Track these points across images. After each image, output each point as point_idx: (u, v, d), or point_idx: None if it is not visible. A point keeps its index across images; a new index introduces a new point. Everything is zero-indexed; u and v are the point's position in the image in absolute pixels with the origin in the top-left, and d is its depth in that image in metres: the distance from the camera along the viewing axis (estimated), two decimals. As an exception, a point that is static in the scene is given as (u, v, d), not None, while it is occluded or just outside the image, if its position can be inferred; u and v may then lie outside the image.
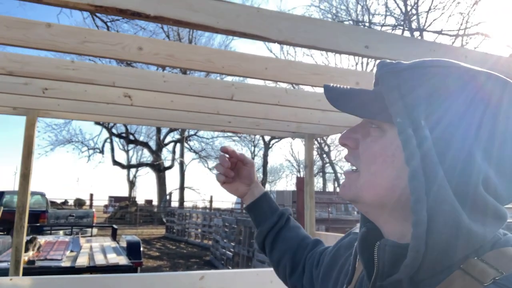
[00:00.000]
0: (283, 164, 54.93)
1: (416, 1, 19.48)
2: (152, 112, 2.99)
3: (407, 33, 19.06)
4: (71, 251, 6.24)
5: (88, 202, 25.76)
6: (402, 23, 20.00)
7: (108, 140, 29.89)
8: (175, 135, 30.36)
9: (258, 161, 33.97)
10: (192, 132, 29.95)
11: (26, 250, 5.35)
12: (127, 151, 31.66)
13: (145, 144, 30.29)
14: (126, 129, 29.37)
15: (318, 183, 33.97)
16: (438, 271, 0.53)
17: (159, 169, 29.37)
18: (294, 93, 2.74)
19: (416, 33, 19.13)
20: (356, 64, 22.92)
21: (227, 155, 1.04)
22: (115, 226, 9.28)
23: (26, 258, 5.09)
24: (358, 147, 0.63)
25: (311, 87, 3.47)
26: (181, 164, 30.77)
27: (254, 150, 33.95)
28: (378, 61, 0.64)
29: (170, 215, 19.77)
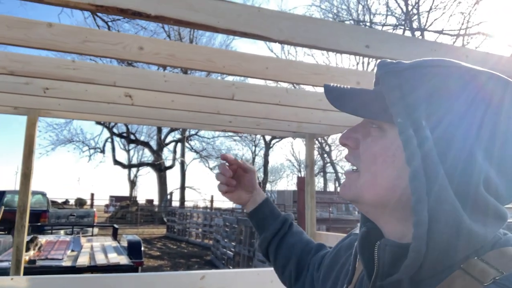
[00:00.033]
0: (284, 164, 54.97)
1: (417, 1, 19.47)
2: (153, 112, 2.99)
3: (408, 33, 19.05)
4: (72, 250, 6.24)
5: (89, 202, 25.78)
6: (403, 22, 19.99)
7: (109, 140, 29.96)
8: (176, 135, 30.42)
9: (259, 160, 34.01)
10: (193, 132, 29.98)
11: (27, 249, 5.36)
12: (128, 151, 31.70)
13: (146, 144, 30.32)
14: (127, 128, 29.40)
15: (319, 183, 33.98)
16: (439, 271, 0.53)
17: (160, 169, 29.40)
18: (295, 93, 2.74)
19: (417, 33, 19.11)
20: (357, 63, 22.93)
21: (227, 163, 1.01)
22: (116, 225, 9.28)
23: (27, 258, 5.10)
24: (358, 147, 0.63)
25: (312, 87, 3.46)
26: (182, 163, 30.80)
27: (255, 150, 33.98)
28: (378, 61, 0.63)
29: (171, 214, 19.78)
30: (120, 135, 30.05)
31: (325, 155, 31.07)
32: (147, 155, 31.84)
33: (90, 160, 29.56)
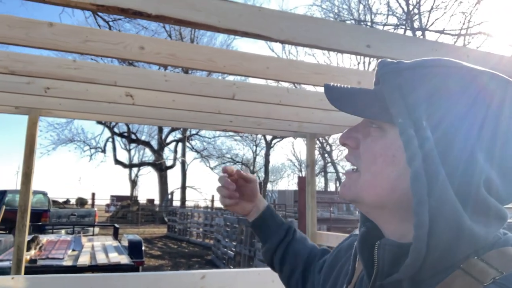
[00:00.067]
0: (284, 163, 55.00)
1: (418, 0, 19.45)
2: (153, 112, 2.99)
3: (409, 33, 19.03)
4: (73, 250, 6.25)
5: (90, 201, 25.79)
6: (404, 22, 19.98)
7: (110, 140, 29.99)
8: (177, 135, 30.44)
9: (260, 160, 34.00)
10: (193, 132, 29.99)
11: (28, 249, 5.37)
12: (129, 151, 31.73)
13: (147, 144, 30.34)
14: (128, 128, 29.43)
15: (319, 182, 33.95)
16: (439, 271, 0.53)
17: (161, 169, 29.42)
18: (295, 93, 2.73)
19: (418, 33, 19.10)
20: (358, 63, 22.92)
21: (227, 175, 0.98)
22: (116, 225, 9.30)
23: (28, 257, 5.10)
24: (358, 147, 0.63)
25: (313, 87, 3.47)
26: (183, 163, 30.81)
27: (255, 150, 33.96)
28: (379, 60, 0.63)
29: (172, 214, 19.79)
30: (121, 135, 30.09)
31: (326, 155, 31.07)
32: (148, 155, 31.90)
33: (91, 160, 29.64)
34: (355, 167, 0.64)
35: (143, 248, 6.61)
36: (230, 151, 34.37)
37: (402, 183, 0.55)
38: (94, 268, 5.30)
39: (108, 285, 2.36)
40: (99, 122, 25.71)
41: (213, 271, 2.65)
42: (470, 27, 18.08)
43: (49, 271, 4.74)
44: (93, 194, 26.62)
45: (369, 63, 22.05)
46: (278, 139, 31.28)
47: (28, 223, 2.83)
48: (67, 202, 21.22)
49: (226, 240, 11.32)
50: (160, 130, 29.23)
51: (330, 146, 29.60)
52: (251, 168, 33.57)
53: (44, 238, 6.70)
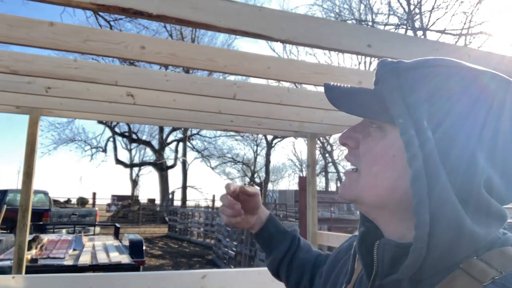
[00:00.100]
0: (285, 163, 54.93)
1: (419, 0, 19.43)
2: (154, 111, 2.99)
3: (410, 33, 19.02)
4: (74, 249, 6.26)
5: (91, 201, 25.84)
6: (405, 22, 19.96)
7: (111, 139, 30.01)
8: (178, 134, 30.45)
9: (260, 160, 33.99)
10: (194, 131, 29.99)
11: (29, 248, 5.38)
12: (129, 150, 31.75)
13: (148, 143, 30.35)
14: (129, 128, 29.44)
15: (320, 182, 33.92)
16: (438, 271, 0.53)
17: (162, 168, 29.43)
18: (296, 92, 2.73)
19: (419, 33, 19.08)
20: (359, 63, 22.90)
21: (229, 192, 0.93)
22: (117, 224, 9.31)
23: (29, 257, 5.11)
24: (358, 147, 0.62)
25: (314, 86, 3.46)
26: (184, 163, 30.82)
27: (256, 150, 33.96)
28: (379, 60, 0.63)
29: (173, 214, 19.80)
30: (122, 135, 30.11)
31: (327, 155, 31.05)
32: (149, 155, 31.91)
33: (92, 159, 29.68)
34: (355, 167, 0.63)
35: (144, 247, 6.61)
36: (231, 151, 34.43)
37: (402, 183, 0.55)
38: (95, 267, 5.31)
39: (108, 285, 2.37)
40: (100, 122, 25.74)
41: (213, 271, 2.65)
42: (471, 27, 18.07)
43: (50, 271, 4.75)
44: (94, 194, 26.70)
45: (370, 63, 22.03)
46: (279, 139, 31.29)
47: (29, 222, 2.84)
48: (68, 201, 21.24)
49: (227, 239, 11.33)
50: (161, 129, 29.25)
51: (331, 146, 29.59)
52: (252, 168, 33.59)
53: (45, 238, 6.71)
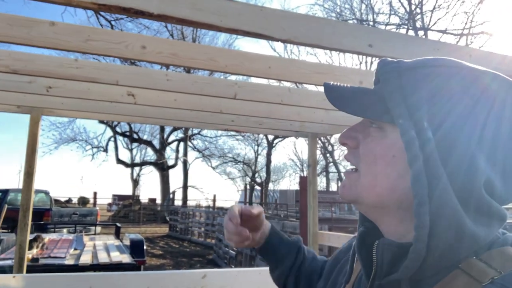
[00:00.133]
0: (286, 163, 54.93)
1: (420, 0, 19.41)
2: (155, 111, 2.99)
3: (411, 32, 18.99)
4: (75, 249, 6.27)
5: (91, 201, 25.87)
6: (406, 22, 19.94)
7: (112, 139, 30.04)
8: (179, 134, 30.45)
9: (261, 160, 33.98)
10: (195, 131, 30.00)
11: (30, 248, 5.38)
12: (130, 150, 31.77)
13: (149, 143, 30.37)
14: (130, 127, 29.47)
15: (321, 182, 33.90)
16: (438, 271, 0.53)
17: (163, 168, 29.45)
18: (297, 92, 2.73)
19: (421, 32, 19.06)
20: (360, 63, 22.87)
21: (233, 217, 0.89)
22: (118, 224, 9.31)
23: (30, 256, 5.12)
24: (358, 147, 0.62)
25: (315, 86, 3.46)
26: (185, 163, 30.83)
27: (257, 149, 33.95)
28: (379, 59, 0.63)
29: (174, 213, 19.82)
30: (123, 134, 30.13)
31: (328, 155, 31.04)
32: (150, 154, 31.93)
33: (93, 159, 29.69)
34: (354, 167, 0.63)
35: (144, 247, 6.62)
36: (232, 150, 34.42)
37: (402, 184, 0.55)
38: (96, 267, 5.31)
39: (109, 284, 2.37)
40: (101, 122, 25.76)
41: (214, 271, 2.65)
42: (472, 26, 18.04)
43: (51, 270, 4.75)
44: (95, 193, 26.73)
45: (371, 62, 22.00)
46: (280, 139, 31.28)
47: (30, 222, 2.84)
48: (69, 201, 21.26)
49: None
50: (162, 129, 29.26)
51: (332, 145, 29.58)
52: (253, 167, 33.59)
53: (46, 237, 6.71)
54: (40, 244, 5.89)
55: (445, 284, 0.52)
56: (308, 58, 26.78)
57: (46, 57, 2.15)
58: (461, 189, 0.51)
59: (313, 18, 1.67)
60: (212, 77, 3.16)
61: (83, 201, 25.15)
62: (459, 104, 0.53)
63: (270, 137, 30.09)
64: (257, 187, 33.99)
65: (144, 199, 30.09)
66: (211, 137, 31.87)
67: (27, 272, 2.77)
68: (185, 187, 30.23)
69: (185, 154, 30.98)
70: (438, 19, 21.49)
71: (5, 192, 11.86)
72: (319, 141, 26.28)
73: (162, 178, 29.54)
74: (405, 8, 20.31)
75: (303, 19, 1.58)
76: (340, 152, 30.83)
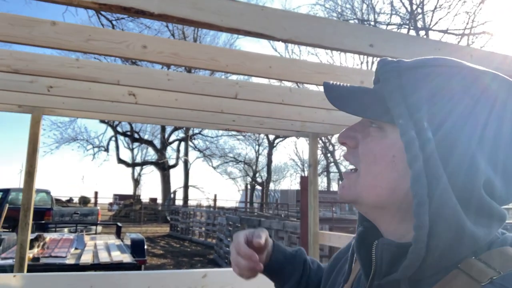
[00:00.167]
0: (287, 163, 54.96)
1: (421, 0, 19.39)
2: (156, 111, 2.99)
3: (412, 32, 18.97)
4: (76, 248, 6.28)
5: (92, 200, 25.88)
6: (407, 22, 19.92)
7: (113, 139, 30.06)
8: (180, 134, 30.45)
9: (262, 160, 34.00)
10: (196, 131, 30.01)
11: (31, 247, 5.39)
12: (131, 150, 31.79)
13: (150, 143, 30.38)
14: (131, 127, 29.48)
15: (322, 182, 33.90)
16: (437, 271, 0.53)
17: (164, 168, 29.46)
18: (298, 92, 2.73)
19: (422, 32, 19.04)
20: (361, 63, 22.85)
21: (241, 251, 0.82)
22: (119, 224, 9.32)
23: (31, 255, 5.13)
24: (357, 146, 0.62)
25: (316, 86, 3.46)
26: (186, 162, 30.83)
27: (258, 149, 33.97)
28: (379, 59, 0.63)
29: (174, 213, 19.82)
30: (124, 134, 30.16)
31: (329, 155, 31.02)
32: (151, 154, 31.95)
33: (94, 159, 29.72)
34: (353, 168, 0.63)
35: (145, 247, 6.62)
36: (233, 150, 34.45)
37: (402, 184, 0.55)
38: (97, 266, 5.32)
39: (110, 284, 2.37)
40: (102, 121, 25.78)
41: (214, 270, 2.65)
42: (473, 26, 18.02)
43: (51, 269, 4.75)
44: (96, 193, 26.74)
45: (372, 62, 21.97)
46: (281, 139, 31.28)
47: (31, 221, 2.84)
48: (70, 200, 21.28)
49: (229, 239, 11.33)
50: (163, 129, 29.28)
51: (333, 145, 29.56)
52: (254, 167, 33.59)
53: (47, 237, 6.72)
54: (41, 244, 5.89)
55: (444, 284, 0.52)
56: (309, 58, 26.81)
57: (47, 56, 2.15)
58: (461, 189, 0.51)
59: (314, 18, 1.67)
60: (213, 77, 3.16)
61: (84, 200, 25.16)
62: (460, 104, 0.53)
63: (271, 137, 30.10)
64: (258, 187, 34.00)
65: (145, 198, 30.14)
66: (212, 137, 31.91)
67: (28, 271, 2.77)
68: (186, 186, 30.24)
69: (186, 154, 30.99)
70: (440, 19, 21.43)
71: (6, 191, 11.89)
72: (320, 141, 26.26)
73: (163, 177, 29.55)
74: (406, 8, 20.30)
75: (304, 19, 1.58)
76: (341, 152, 30.77)
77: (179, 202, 28.76)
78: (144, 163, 31.99)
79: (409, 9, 20.00)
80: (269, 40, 1.67)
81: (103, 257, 5.68)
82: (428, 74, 0.56)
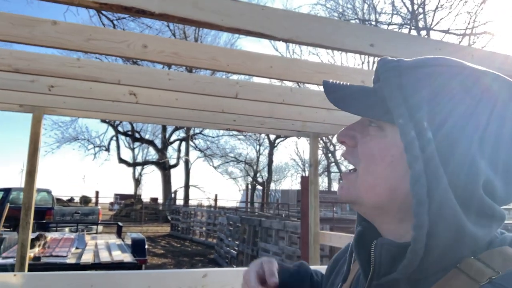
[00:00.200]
0: (288, 163, 54.81)
1: (423, 0, 19.37)
2: (157, 110, 3.00)
3: (413, 32, 18.94)
4: (77, 248, 6.28)
5: (93, 200, 25.91)
6: (408, 22, 19.90)
7: (114, 138, 30.10)
8: (181, 134, 30.47)
9: (263, 160, 33.99)
10: (197, 131, 30.01)
11: (32, 246, 5.40)
12: (132, 149, 31.82)
13: (151, 142, 30.41)
14: (132, 127, 29.51)
15: (323, 182, 33.87)
16: (436, 271, 0.53)
17: (165, 167, 29.47)
18: (299, 92, 2.73)
19: (423, 32, 19.02)
20: (362, 63, 22.83)
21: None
22: (120, 223, 9.33)
23: (32, 255, 5.13)
24: (356, 146, 0.62)
25: (317, 86, 3.46)
26: (186, 162, 30.84)
27: (259, 149, 33.95)
28: (378, 58, 0.62)
29: (175, 213, 19.83)
30: (125, 134, 30.19)
31: (330, 155, 31.01)
32: (152, 154, 31.97)
33: (95, 158, 29.78)
34: (352, 168, 0.63)
35: (146, 246, 6.63)
36: (234, 150, 34.43)
37: (402, 184, 0.55)
38: (97, 266, 5.32)
39: (110, 283, 2.37)
40: (103, 121, 25.80)
41: (214, 270, 2.64)
42: (475, 26, 17.99)
43: (52, 269, 4.76)
44: (97, 193, 26.75)
45: (373, 62, 21.93)
46: (282, 139, 31.25)
47: (32, 220, 2.85)
48: (71, 200, 21.32)
49: (229, 239, 11.34)
50: (164, 129, 29.29)
51: (334, 145, 29.53)
52: (254, 167, 33.60)
53: (48, 236, 6.73)
54: (42, 243, 5.90)
55: (443, 284, 0.52)
56: (310, 58, 26.80)
57: (48, 56, 2.15)
58: (461, 190, 0.51)
59: (315, 17, 1.67)
60: (214, 77, 3.16)
61: (85, 200, 25.19)
62: (461, 104, 0.53)
63: (272, 136, 30.09)
64: (259, 187, 33.99)
65: (146, 198, 30.13)
66: (213, 137, 31.92)
67: (29, 270, 2.77)
68: (186, 186, 30.24)
69: (187, 153, 31.00)
70: (441, 19, 21.32)
71: (8, 191, 11.91)
72: (321, 141, 26.25)
73: (164, 177, 29.56)
74: (407, 8, 20.28)
75: (305, 19, 1.58)
76: (342, 152, 30.70)
77: (180, 201, 28.78)
78: (145, 162, 32.02)
79: (410, 9, 19.99)
80: (270, 40, 1.67)
81: (104, 257, 5.68)
82: (428, 74, 0.55)
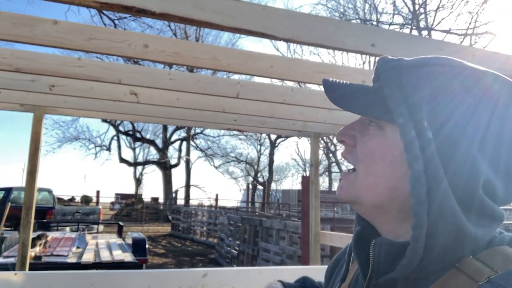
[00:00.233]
0: (289, 163, 54.79)
1: (424, 0, 19.35)
2: (158, 110, 3.00)
3: (415, 32, 18.92)
4: (77, 247, 6.28)
5: (94, 199, 25.92)
6: (410, 22, 19.88)
7: (115, 138, 30.10)
8: (182, 133, 30.47)
9: (264, 159, 33.99)
10: (198, 130, 30.02)
11: (33, 246, 5.40)
12: (133, 149, 31.82)
13: (152, 142, 30.42)
14: (133, 126, 29.53)
15: (324, 182, 33.87)
16: (435, 270, 0.53)
17: (166, 167, 29.48)
18: (300, 92, 2.73)
19: (424, 32, 19.00)
20: (363, 63, 22.82)
21: None
22: (121, 223, 9.33)
23: (33, 254, 5.14)
24: (356, 145, 0.61)
25: (317, 86, 3.46)
26: (187, 162, 30.85)
27: (260, 149, 33.94)
28: (378, 57, 0.62)
29: (176, 212, 19.84)
30: (126, 133, 30.20)
31: (330, 155, 30.99)
32: (153, 153, 31.97)
33: (96, 158, 29.77)
34: (351, 168, 0.63)
35: (147, 246, 6.62)
36: (235, 150, 34.43)
37: (401, 183, 0.55)
38: (98, 265, 5.32)
39: (111, 282, 2.37)
40: (104, 120, 25.82)
41: (215, 269, 2.64)
42: (476, 26, 17.96)
43: (53, 268, 4.76)
44: (98, 192, 26.74)
45: (374, 62, 21.89)
46: (283, 138, 31.24)
47: (32, 220, 2.85)
48: (72, 199, 21.35)
49: (230, 239, 11.33)
50: (165, 128, 29.30)
51: (335, 145, 29.50)
52: (255, 167, 33.59)
53: (49, 235, 6.73)
54: (43, 242, 5.90)
55: (442, 283, 0.52)
56: (311, 58, 26.78)
57: (49, 55, 2.15)
58: (461, 190, 0.51)
59: (316, 17, 1.67)
60: (215, 76, 3.16)
61: (86, 199, 25.20)
62: (461, 104, 0.53)
63: (273, 136, 30.08)
64: (260, 187, 33.99)
65: (146, 198, 30.14)
66: (214, 137, 31.92)
67: (30, 270, 2.78)
68: (187, 186, 30.25)
69: (188, 153, 31.00)
70: (442, 19, 21.28)
71: (9, 190, 11.92)
72: (322, 141, 26.23)
73: (164, 177, 29.57)
74: (408, 8, 20.26)
75: (306, 19, 1.58)
76: (341, 151, 30.65)
77: (180, 201, 28.78)
78: (146, 162, 32.03)
79: (411, 9, 19.97)
80: (271, 39, 1.67)
81: (105, 256, 5.68)
82: (429, 73, 0.55)
